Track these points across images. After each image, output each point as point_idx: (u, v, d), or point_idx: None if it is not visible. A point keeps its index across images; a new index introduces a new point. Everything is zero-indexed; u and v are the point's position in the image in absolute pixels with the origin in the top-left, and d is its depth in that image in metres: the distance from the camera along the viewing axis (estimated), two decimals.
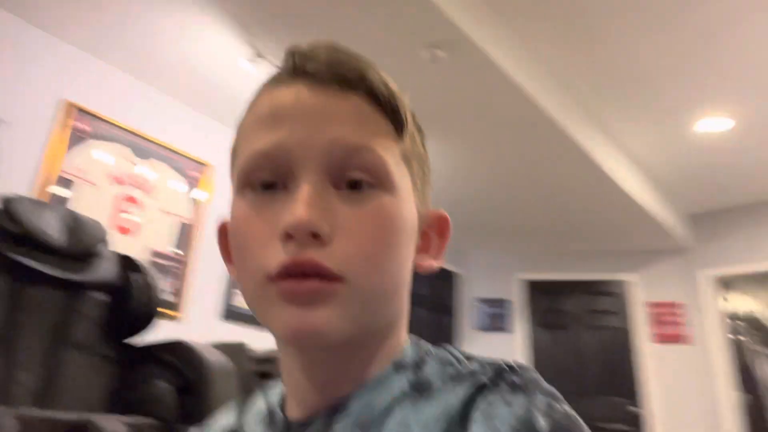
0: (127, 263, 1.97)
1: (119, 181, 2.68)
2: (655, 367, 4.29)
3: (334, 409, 0.42)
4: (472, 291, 4.95)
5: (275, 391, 0.50)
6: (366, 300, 0.40)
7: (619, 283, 4.65)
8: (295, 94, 0.43)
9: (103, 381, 1.80)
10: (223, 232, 0.49)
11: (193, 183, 2.99)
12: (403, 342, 0.47)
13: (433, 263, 0.49)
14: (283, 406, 0.47)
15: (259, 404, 0.50)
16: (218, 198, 3.07)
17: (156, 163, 2.85)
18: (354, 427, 0.40)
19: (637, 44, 2.81)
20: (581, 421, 0.37)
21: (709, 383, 4.09)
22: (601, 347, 4.52)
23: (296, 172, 0.41)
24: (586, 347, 4.54)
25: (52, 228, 1.78)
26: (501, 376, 0.40)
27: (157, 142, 2.85)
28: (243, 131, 0.46)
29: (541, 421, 0.35)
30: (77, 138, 2.53)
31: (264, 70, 2.53)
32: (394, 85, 0.45)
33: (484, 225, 4.49)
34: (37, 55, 2.46)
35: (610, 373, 4.45)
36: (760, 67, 2.98)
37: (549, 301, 4.77)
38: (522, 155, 3.49)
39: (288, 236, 0.39)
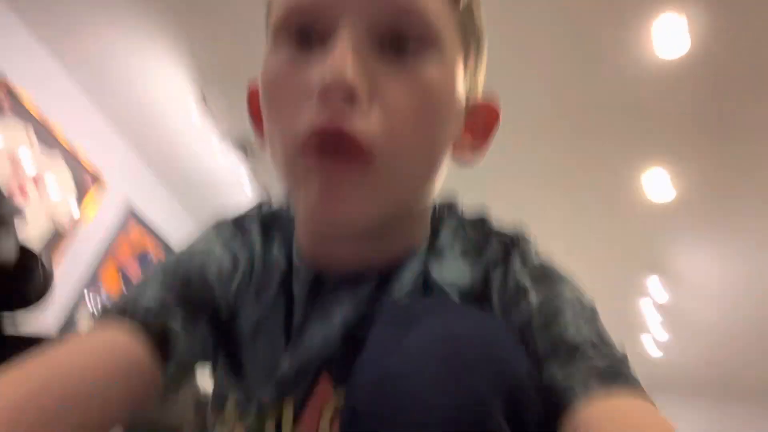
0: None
1: (15, 164, 2.35)
2: None
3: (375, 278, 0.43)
4: None
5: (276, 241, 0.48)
6: (397, 184, 0.38)
7: None
8: None
9: None
10: (254, 96, 0.44)
11: (81, 194, 2.66)
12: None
13: (471, 156, 0.45)
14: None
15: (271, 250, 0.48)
16: (97, 220, 2.77)
17: (56, 159, 2.53)
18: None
19: None
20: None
21: None
22: None
23: (337, 23, 0.35)
24: None
25: None
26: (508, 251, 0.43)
27: (62, 138, 2.55)
28: None
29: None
30: None
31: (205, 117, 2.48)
32: None
33: None
34: None
35: None
36: None
37: None
38: None
39: (323, 95, 0.34)
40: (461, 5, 0.39)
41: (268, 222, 0.49)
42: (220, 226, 0.50)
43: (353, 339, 0.41)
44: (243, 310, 0.46)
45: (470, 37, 0.41)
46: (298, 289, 0.45)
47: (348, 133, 0.34)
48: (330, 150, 0.34)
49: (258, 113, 0.42)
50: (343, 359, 0.40)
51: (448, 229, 0.46)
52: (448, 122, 0.39)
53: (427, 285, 0.44)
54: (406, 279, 0.43)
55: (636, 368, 0.41)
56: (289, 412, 0.44)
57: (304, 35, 0.36)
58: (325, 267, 0.44)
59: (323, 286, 0.44)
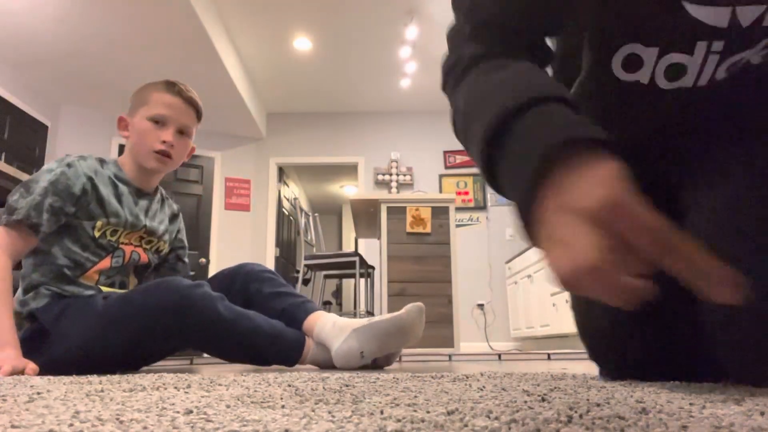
0: None
1: None
2: (225, 228, 5.90)
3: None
4: (63, 147, 5.31)
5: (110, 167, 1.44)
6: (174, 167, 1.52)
7: (205, 159, 5.94)
8: (175, 100, 1.46)
9: None
10: (122, 120, 1.48)
11: None
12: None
13: (186, 159, 1.57)
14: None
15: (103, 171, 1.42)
16: None
17: None
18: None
19: None
20: None
21: (261, 241, 6.01)
22: (185, 211, 5.20)
23: (168, 125, 1.45)
24: None
25: None
26: None
27: None
28: (150, 99, 1.45)
29: None
30: None
31: None
32: (201, 105, 1.55)
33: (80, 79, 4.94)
34: None
35: (191, 234, 5.69)
36: None
37: None
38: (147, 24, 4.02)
39: (164, 142, 1.43)
40: (200, 120, 1.56)
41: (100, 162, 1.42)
42: (73, 163, 1.34)
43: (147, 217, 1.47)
44: (101, 195, 1.37)
45: (199, 124, 1.56)
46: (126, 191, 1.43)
47: (171, 154, 1.44)
48: (165, 155, 1.44)
49: (123, 128, 1.48)
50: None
51: None
52: (187, 154, 1.55)
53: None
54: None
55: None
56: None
57: (157, 120, 1.43)
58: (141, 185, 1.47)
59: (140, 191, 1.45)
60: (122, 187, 1.43)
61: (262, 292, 1.44)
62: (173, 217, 1.64)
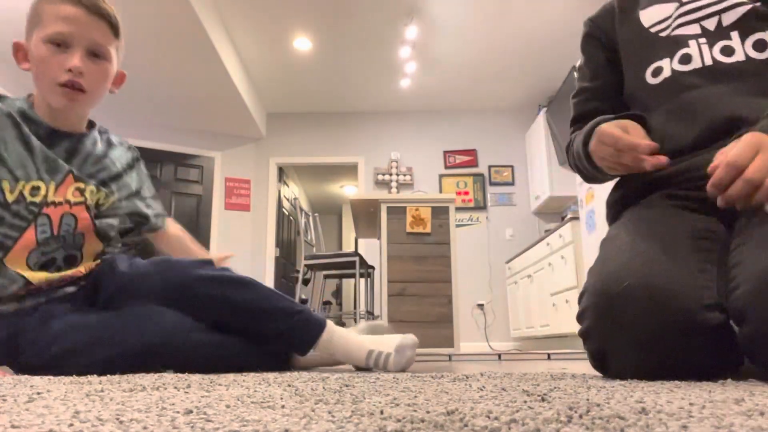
0: None
1: None
2: (224, 227, 5.88)
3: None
4: None
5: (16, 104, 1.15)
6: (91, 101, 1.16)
7: (205, 159, 5.94)
8: (76, 11, 1.08)
9: None
10: (18, 47, 1.13)
11: None
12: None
13: (114, 89, 1.23)
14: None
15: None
16: None
17: None
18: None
19: None
20: None
21: (261, 241, 5.96)
22: (185, 211, 5.72)
23: (73, 44, 1.09)
24: (174, 210, 5.68)
25: None
26: None
27: None
28: (44, 14, 1.09)
29: None
30: None
31: None
32: (115, 14, 1.14)
33: None
34: None
35: (191, 234, 5.18)
36: None
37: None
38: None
39: (69, 71, 1.08)
40: (119, 36, 1.16)
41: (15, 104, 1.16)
42: None
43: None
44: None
45: (119, 42, 1.17)
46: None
47: (81, 84, 1.10)
48: (72, 87, 1.09)
49: (22, 58, 1.13)
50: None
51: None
52: (108, 81, 1.18)
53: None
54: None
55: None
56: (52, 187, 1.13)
57: (58, 42, 1.08)
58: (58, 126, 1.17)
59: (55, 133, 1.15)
60: (28, 128, 1.11)
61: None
62: (130, 166, 1.31)
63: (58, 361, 1.00)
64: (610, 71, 1.09)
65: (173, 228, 1.44)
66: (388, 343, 1.18)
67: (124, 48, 1.23)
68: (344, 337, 1.18)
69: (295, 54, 5.13)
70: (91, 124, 1.25)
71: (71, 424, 0.34)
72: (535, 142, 5.83)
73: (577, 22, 4.59)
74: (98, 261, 1.19)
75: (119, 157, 1.28)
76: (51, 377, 0.83)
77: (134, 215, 1.29)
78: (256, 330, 1.13)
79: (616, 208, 1.04)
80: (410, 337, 1.22)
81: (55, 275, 1.11)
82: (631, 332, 0.72)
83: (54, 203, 1.11)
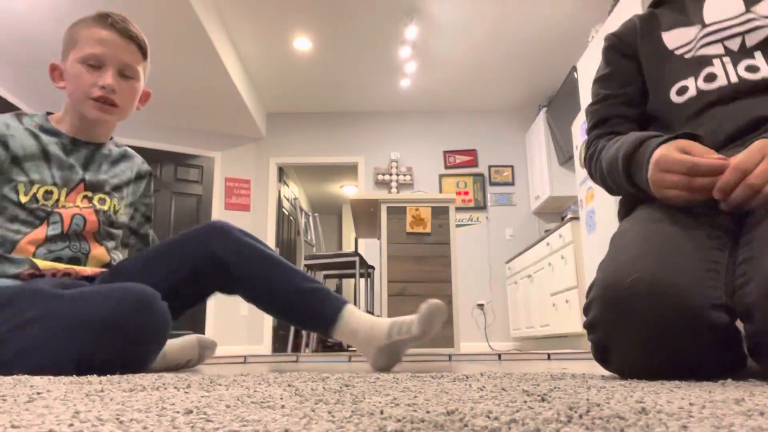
0: None
1: None
2: None
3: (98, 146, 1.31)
4: None
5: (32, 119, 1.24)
6: (122, 116, 1.28)
7: (205, 159, 5.97)
8: (109, 35, 1.21)
9: None
10: (54, 67, 1.26)
11: None
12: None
13: (140, 106, 1.35)
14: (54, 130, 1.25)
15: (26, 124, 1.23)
16: None
17: None
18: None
19: None
20: None
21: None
22: (185, 211, 5.76)
23: (106, 64, 1.22)
24: (174, 210, 5.72)
25: None
26: None
27: None
28: (80, 37, 1.21)
29: None
30: None
31: None
32: (144, 38, 1.28)
33: None
34: None
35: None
36: None
37: None
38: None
39: (102, 88, 1.20)
40: (146, 57, 1.30)
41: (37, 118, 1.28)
42: (9, 118, 1.21)
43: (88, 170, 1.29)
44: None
45: (146, 63, 1.30)
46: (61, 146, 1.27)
47: (114, 101, 1.23)
48: (105, 102, 1.23)
49: (58, 77, 1.25)
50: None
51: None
52: (137, 98, 1.31)
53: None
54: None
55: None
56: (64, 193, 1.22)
57: (92, 63, 1.21)
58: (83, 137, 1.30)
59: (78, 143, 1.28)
60: (47, 138, 1.21)
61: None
62: (140, 177, 1.41)
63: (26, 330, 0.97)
64: (640, 79, 1.10)
65: None
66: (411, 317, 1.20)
67: (150, 68, 1.35)
68: (365, 316, 1.22)
69: (295, 54, 5.13)
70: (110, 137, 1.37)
71: (71, 424, 0.34)
72: (535, 142, 5.83)
73: (577, 22, 4.59)
74: (104, 270, 1.25)
75: (136, 169, 1.39)
76: (51, 377, 0.83)
77: (128, 225, 1.40)
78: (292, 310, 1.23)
79: (628, 204, 1.04)
80: (435, 303, 1.20)
81: (62, 265, 1.17)
82: (636, 326, 0.72)
83: (65, 206, 1.20)
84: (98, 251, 1.24)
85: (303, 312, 1.22)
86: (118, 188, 1.32)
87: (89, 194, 1.24)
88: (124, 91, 1.24)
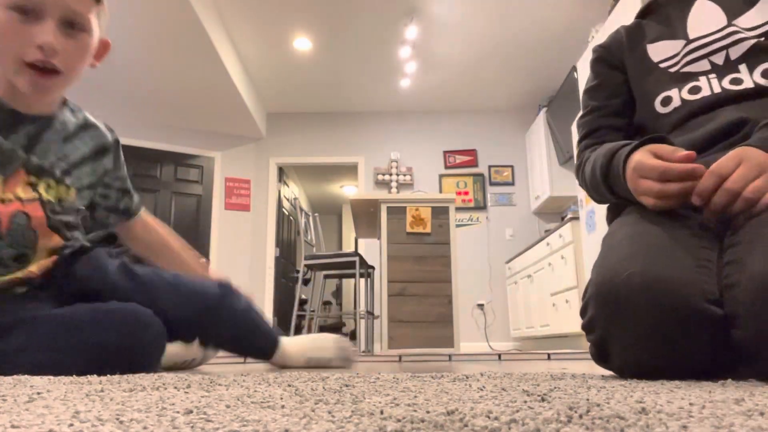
0: None
1: None
2: (224, 228, 5.90)
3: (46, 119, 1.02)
4: None
5: None
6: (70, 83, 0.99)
7: (205, 159, 5.96)
8: None
9: None
10: None
11: None
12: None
13: (95, 63, 1.04)
14: None
15: None
16: None
17: None
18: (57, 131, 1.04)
19: None
20: None
21: (261, 241, 5.99)
22: (185, 211, 5.79)
23: (44, 16, 0.90)
24: (174, 210, 5.74)
25: None
26: None
27: None
28: None
29: None
30: None
31: None
32: None
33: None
34: None
35: (191, 234, 5.47)
36: None
37: (140, 167, 5.55)
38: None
39: (39, 48, 0.89)
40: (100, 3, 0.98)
41: None
42: None
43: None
44: None
45: (100, 6, 0.99)
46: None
47: (54, 64, 0.93)
48: (40, 69, 0.93)
49: None
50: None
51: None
52: (88, 56, 1.00)
53: None
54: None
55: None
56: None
57: (25, 10, 0.90)
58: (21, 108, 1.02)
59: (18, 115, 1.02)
60: None
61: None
62: (101, 151, 1.13)
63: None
64: (627, 90, 1.11)
65: (143, 225, 1.28)
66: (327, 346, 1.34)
67: (107, 13, 1.03)
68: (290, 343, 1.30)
69: (295, 54, 5.13)
70: (62, 101, 1.07)
71: (71, 424, 0.34)
72: (535, 142, 5.83)
73: (577, 22, 4.59)
74: (54, 257, 1.06)
75: (89, 140, 1.11)
76: (51, 377, 0.83)
77: (98, 206, 1.18)
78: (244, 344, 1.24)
79: (616, 208, 1.04)
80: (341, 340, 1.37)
81: (4, 278, 0.98)
82: (633, 320, 0.73)
83: (3, 201, 0.96)
84: (47, 241, 1.03)
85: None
86: (70, 169, 1.06)
87: (33, 180, 0.99)
88: (70, 49, 0.93)
